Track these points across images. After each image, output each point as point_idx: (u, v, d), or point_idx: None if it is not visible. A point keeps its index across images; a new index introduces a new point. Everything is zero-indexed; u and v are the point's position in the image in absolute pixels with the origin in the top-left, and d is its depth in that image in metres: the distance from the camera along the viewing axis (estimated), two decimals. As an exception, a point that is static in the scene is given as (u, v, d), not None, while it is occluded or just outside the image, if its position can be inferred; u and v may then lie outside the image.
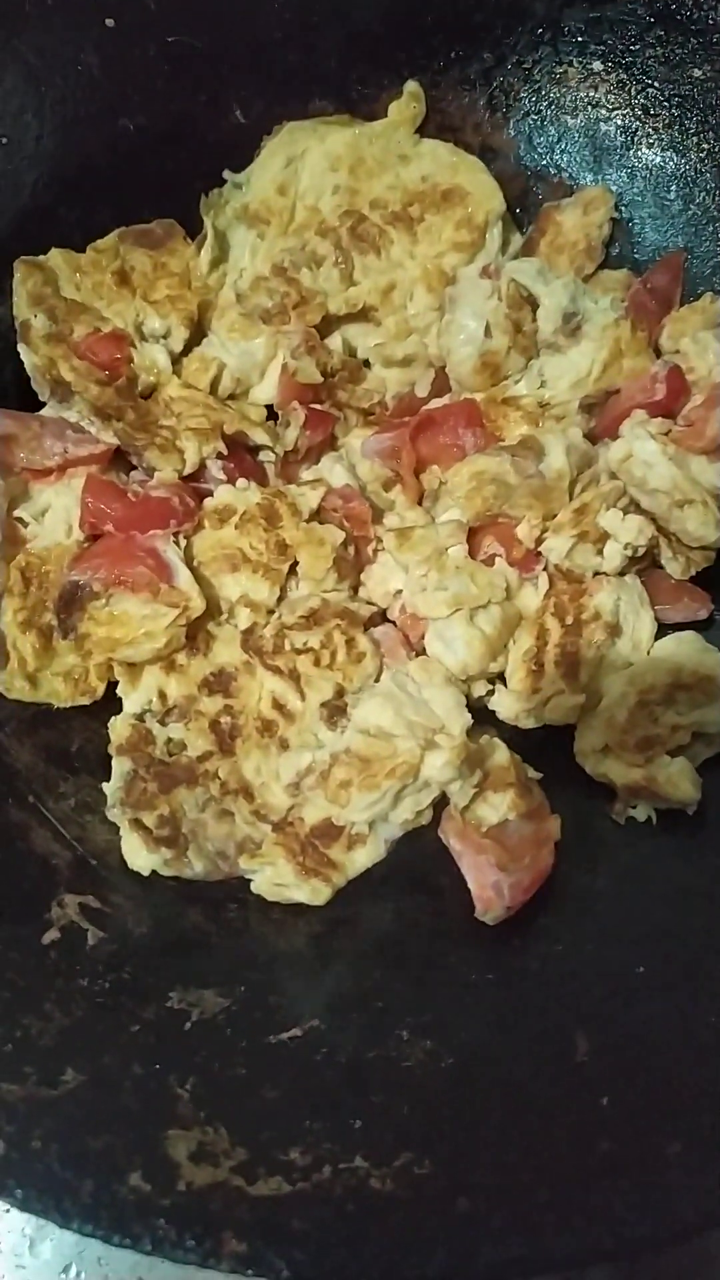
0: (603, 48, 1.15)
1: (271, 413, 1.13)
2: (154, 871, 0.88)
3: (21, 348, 1.03)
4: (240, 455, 1.04)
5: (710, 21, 1.09)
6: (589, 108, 1.18)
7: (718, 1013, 0.78)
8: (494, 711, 1.00)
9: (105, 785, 0.93)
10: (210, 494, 1.01)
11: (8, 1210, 0.92)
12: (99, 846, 0.90)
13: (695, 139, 1.15)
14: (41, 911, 0.83)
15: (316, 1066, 0.77)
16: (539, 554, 1.02)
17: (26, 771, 0.92)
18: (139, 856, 0.88)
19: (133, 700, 0.94)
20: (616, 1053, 0.77)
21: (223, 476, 1.01)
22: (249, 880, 0.90)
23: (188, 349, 1.11)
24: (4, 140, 1.06)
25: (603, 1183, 0.69)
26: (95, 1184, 0.65)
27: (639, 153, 1.18)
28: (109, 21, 1.08)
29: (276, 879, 0.88)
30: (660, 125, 1.16)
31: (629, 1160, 0.70)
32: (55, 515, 1.00)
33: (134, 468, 1.03)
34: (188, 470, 1.00)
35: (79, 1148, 0.67)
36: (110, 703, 0.97)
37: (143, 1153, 0.68)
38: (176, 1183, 0.66)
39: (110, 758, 0.94)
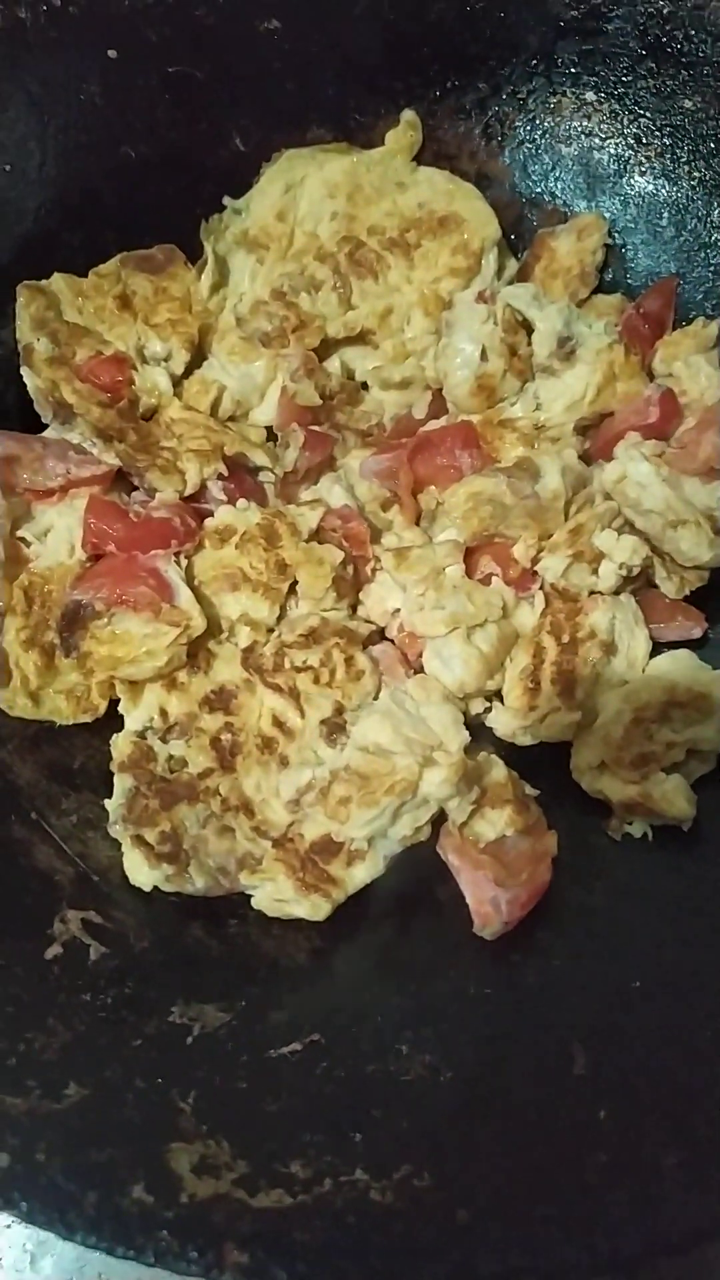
0: (595, 79, 1.18)
1: (271, 434, 1.14)
2: (155, 887, 0.89)
3: (24, 370, 1.05)
4: (240, 476, 1.06)
5: (700, 54, 1.12)
6: (583, 137, 1.21)
7: (713, 1026, 0.79)
8: (491, 728, 1.01)
9: (107, 802, 0.93)
10: (211, 514, 1.03)
11: (9, 1225, 0.92)
12: (101, 863, 0.91)
13: (686, 167, 1.17)
14: (44, 927, 0.83)
15: (317, 1080, 0.77)
16: (535, 573, 1.04)
17: (29, 788, 0.93)
18: (141, 872, 0.89)
19: (134, 718, 0.95)
20: (614, 1066, 0.77)
21: (223, 497, 1.03)
22: (249, 896, 0.91)
23: (188, 372, 1.12)
24: (7, 167, 1.07)
25: (600, 1194, 0.70)
26: (99, 1196, 0.66)
27: (632, 180, 1.20)
28: (111, 52, 1.10)
29: (277, 894, 0.89)
30: (652, 154, 1.18)
31: (626, 1172, 0.70)
32: (58, 535, 1.01)
33: (135, 488, 1.04)
34: (189, 491, 1.02)
35: (82, 1160, 0.68)
36: (112, 720, 0.98)
37: (145, 1165, 0.68)
38: (179, 1195, 0.67)
39: (112, 774, 0.94)
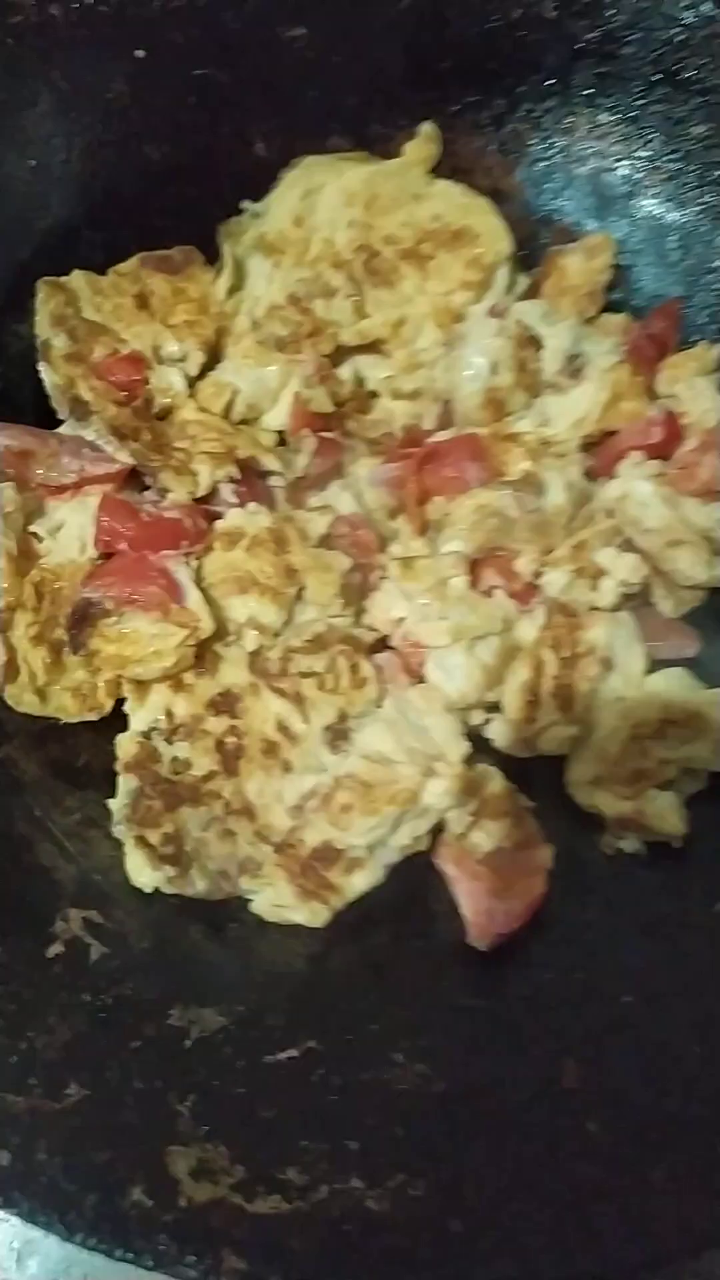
0: (610, 101, 1.19)
1: (281, 438, 1.14)
2: (156, 889, 0.89)
3: (42, 366, 1.04)
4: (251, 479, 1.06)
5: (712, 82, 1.13)
6: (595, 157, 1.22)
7: (702, 1042, 0.80)
8: (489, 740, 1.02)
9: (110, 801, 0.94)
10: (220, 516, 1.03)
11: (-1, 1222, 0.92)
12: (102, 862, 0.91)
13: (695, 193, 1.19)
14: (46, 925, 0.84)
15: (313, 1087, 0.78)
16: (537, 588, 1.05)
17: (33, 785, 0.93)
18: (143, 874, 0.89)
19: (140, 718, 0.95)
20: (604, 1080, 0.79)
21: (234, 500, 1.03)
22: (249, 900, 0.91)
23: (203, 373, 1.13)
24: (33, 162, 1.07)
25: (589, 1207, 0.71)
26: (98, 1198, 0.66)
27: (641, 203, 1.21)
28: (139, 52, 1.10)
29: (276, 900, 0.89)
30: (662, 178, 1.20)
31: (615, 1185, 0.72)
32: (69, 532, 1.01)
33: (147, 487, 1.04)
34: (200, 493, 1.02)
35: (83, 1161, 0.68)
36: (117, 719, 0.98)
37: (144, 1168, 0.69)
38: (178, 1199, 0.68)
39: (115, 773, 0.94)
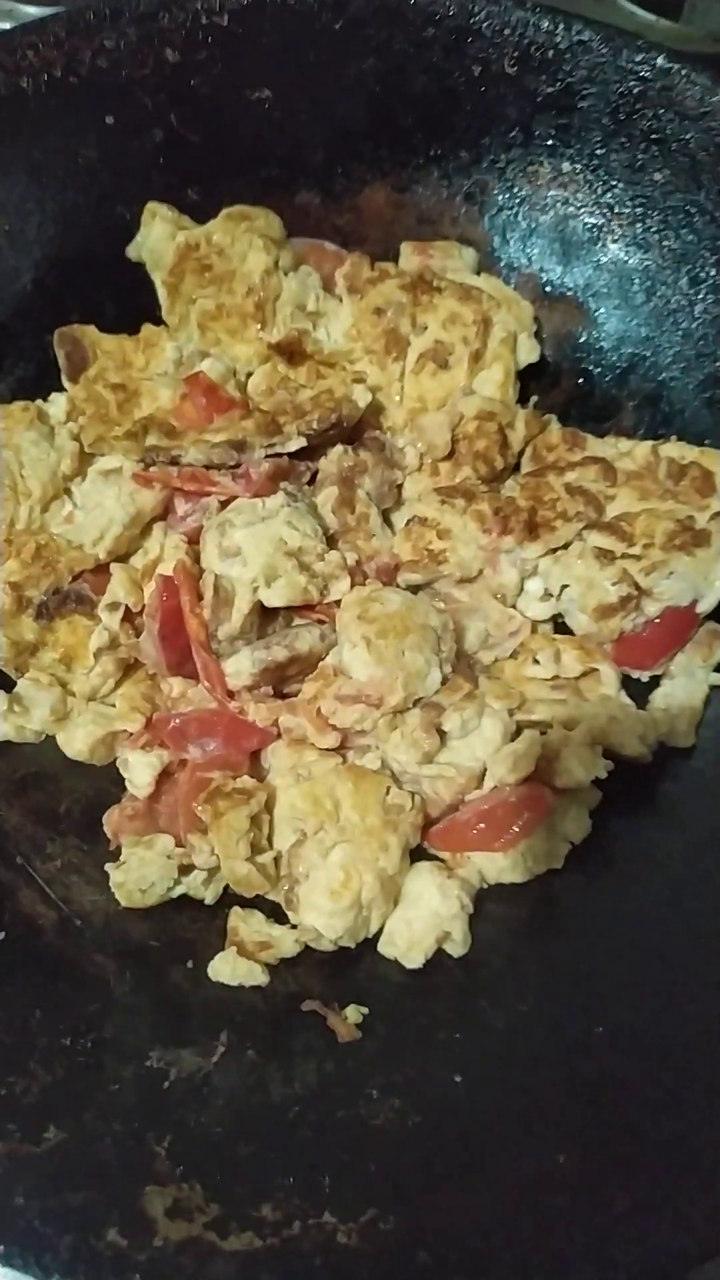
0: (571, 150, 1.22)
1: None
2: (138, 937, 0.92)
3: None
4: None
5: (668, 132, 1.16)
6: (559, 205, 1.25)
7: (672, 1071, 0.81)
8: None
9: (90, 847, 0.96)
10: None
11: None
12: (84, 907, 0.92)
13: (657, 236, 1.21)
14: (28, 973, 0.85)
15: (289, 1125, 0.80)
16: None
17: (15, 832, 0.95)
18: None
19: None
20: (575, 1111, 0.80)
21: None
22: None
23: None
24: (7, 228, 1.11)
25: (554, 1236, 0.72)
26: (74, 1239, 0.68)
27: (605, 248, 1.24)
28: (109, 119, 1.14)
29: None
30: (625, 223, 1.22)
31: (580, 1215, 0.73)
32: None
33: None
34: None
35: (59, 1203, 0.70)
36: (97, 768, 1.01)
37: (120, 1208, 0.70)
38: (153, 1238, 0.69)
39: (95, 821, 0.97)
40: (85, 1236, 0.68)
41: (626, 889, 0.97)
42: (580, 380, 1.26)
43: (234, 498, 1.04)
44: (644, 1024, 0.85)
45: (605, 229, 1.23)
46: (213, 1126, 0.78)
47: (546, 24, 1.15)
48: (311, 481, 1.10)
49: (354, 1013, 0.88)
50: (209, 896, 0.96)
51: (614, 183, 1.21)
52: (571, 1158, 0.77)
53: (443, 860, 0.98)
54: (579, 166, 1.22)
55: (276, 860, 0.94)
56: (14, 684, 1.03)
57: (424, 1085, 0.83)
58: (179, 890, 0.95)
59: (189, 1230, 0.71)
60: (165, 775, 0.97)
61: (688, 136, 1.13)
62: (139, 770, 0.97)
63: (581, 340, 1.26)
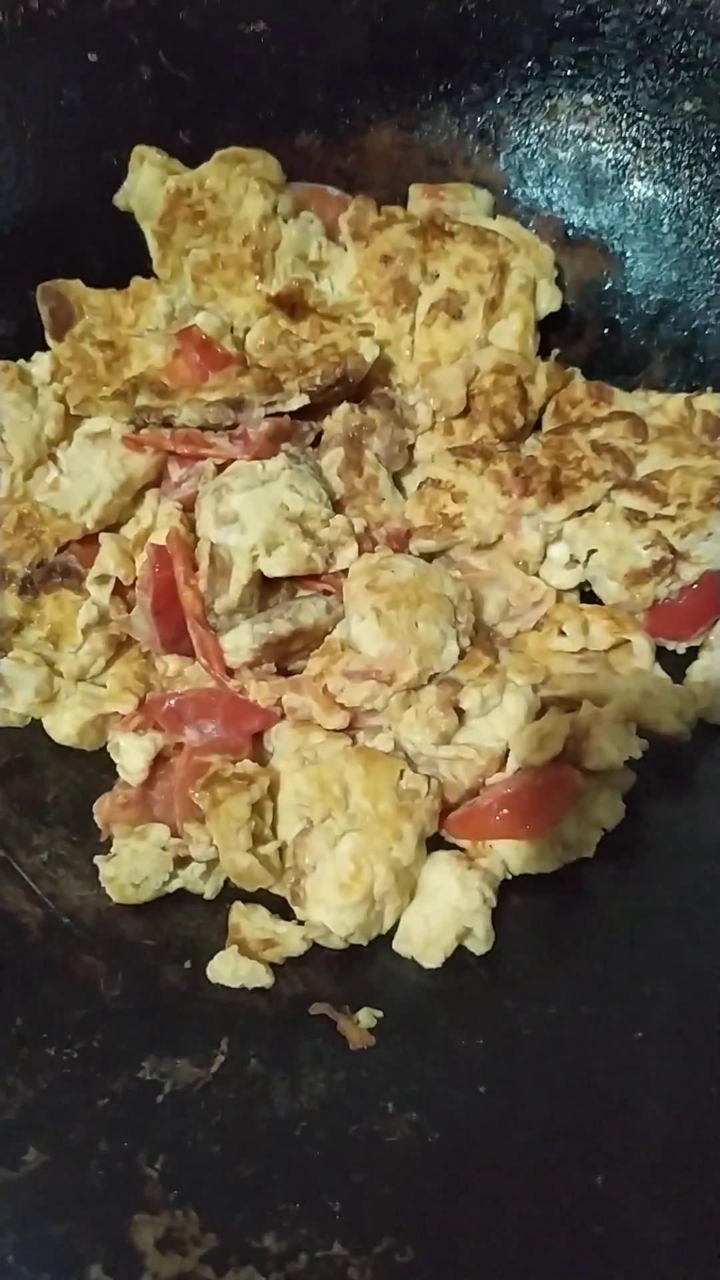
0: (593, 81, 1.16)
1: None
2: (131, 936, 0.87)
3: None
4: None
5: (699, 55, 1.10)
6: (580, 141, 1.19)
7: (718, 1081, 0.75)
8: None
9: (79, 839, 0.92)
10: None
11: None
12: (72, 904, 0.88)
13: (687, 172, 1.15)
14: (8, 974, 0.81)
15: (295, 1142, 0.74)
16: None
17: (-1, 823, 0.91)
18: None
19: None
20: (614, 1126, 0.74)
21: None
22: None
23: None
24: (-16, 174, 1.06)
25: (595, 1272, 0.66)
26: (53, 1278, 0.62)
27: (631, 186, 1.18)
28: (92, 55, 1.09)
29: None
30: (652, 159, 1.16)
31: (624, 1247, 0.67)
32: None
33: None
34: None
35: (38, 1236, 0.65)
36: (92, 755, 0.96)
37: (106, 1241, 0.65)
38: (141, 1275, 0.64)
39: (84, 811, 0.93)
40: (66, 1275, 0.63)
41: (664, 879, 0.91)
42: (606, 330, 1.20)
43: (231, 460, 0.99)
44: (689, 1029, 0.78)
45: (631, 165, 1.17)
46: (210, 1145, 0.72)
47: (563, -60, 1.09)
48: (316, 443, 1.05)
49: (367, 1017, 0.83)
50: (208, 891, 0.91)
51: (640, 114, 1.15)
52: (610, 1180, 0.70)
53: (462, 849, 0.92)
54: (601, 98, 1.16)
55: (281, 851, 0.89)
56: (-3, 664, 0.98)
57: (444, 1097, 0.77)
58: (175, 884, 0.91)
59: (181, 1265, 0.65)
60: (160, 760, 0.93)
61: (720, 59, 1.07)
62: (132, 755, 0.93)
63: (607, 287, 1.20)
